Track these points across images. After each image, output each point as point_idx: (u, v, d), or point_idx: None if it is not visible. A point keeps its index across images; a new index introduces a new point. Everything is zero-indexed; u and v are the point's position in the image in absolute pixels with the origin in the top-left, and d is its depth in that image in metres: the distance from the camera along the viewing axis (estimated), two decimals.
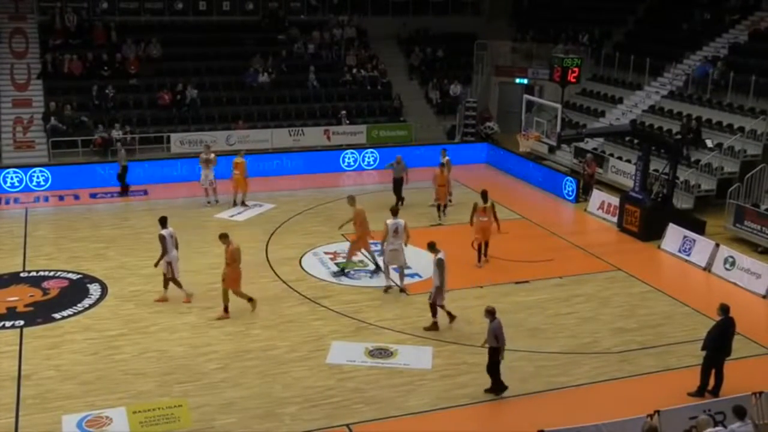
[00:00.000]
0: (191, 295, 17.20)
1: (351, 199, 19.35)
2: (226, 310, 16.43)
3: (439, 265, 15.74)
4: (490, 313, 13.52)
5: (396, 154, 24.82)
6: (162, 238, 16.69)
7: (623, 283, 19.05)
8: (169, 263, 16.79)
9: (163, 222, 17.03)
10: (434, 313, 16.09)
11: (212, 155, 24.04)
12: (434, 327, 16.08)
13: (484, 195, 19.78)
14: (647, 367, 14.86)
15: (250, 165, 24.46)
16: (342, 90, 33.51)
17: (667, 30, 32.11)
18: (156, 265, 16.96)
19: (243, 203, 24.25)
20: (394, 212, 18.36)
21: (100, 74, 30.71)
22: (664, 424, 11.65)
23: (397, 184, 24.13)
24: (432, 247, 16.06)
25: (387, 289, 18.02)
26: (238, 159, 24.12)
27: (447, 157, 24.76)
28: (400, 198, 23.81)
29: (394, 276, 18.03)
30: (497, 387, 13.72)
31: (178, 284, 17.09)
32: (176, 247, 17.00)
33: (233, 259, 16.18)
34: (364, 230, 18.84)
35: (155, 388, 13.78)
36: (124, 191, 25.44)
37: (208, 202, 24.20)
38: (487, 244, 19.91)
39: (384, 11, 37.32)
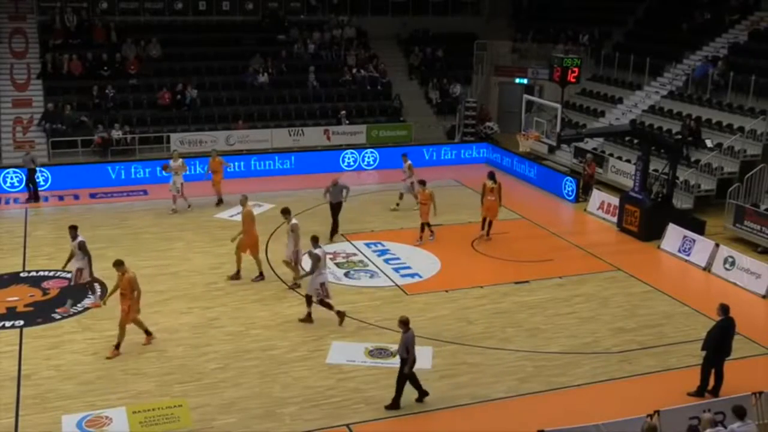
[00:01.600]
0: (104, 303, 16.54)
1: (243, 199, 18.92)
2: (117, 347, 14.87)
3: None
4: (404, 323, 13.11)
5: (334, 175, 23.29)
6: (84, 244, 16.46)
7: (623, 283, 19.04)
8: (82, 269, 16.53)
9: (75, 230, 16.64)
10: (308, 304, 16.27)
11: (180, 161, 23.64)
12: (308, 319, 16.26)
13: (492, 175, 21.50)
14: (647, 367, 14.86)
15: (249, 165, 24.36)
16: (342, 90, 33.49)
17: (667, 30, 32.10)
18: (64, 266, 17.02)
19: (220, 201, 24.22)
20: (288, 212, 17.99)
21: (100, 74, 30.70)
22: (664, 424, 11.65)
23: (335, 209, 21.47)
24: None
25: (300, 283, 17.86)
26: (214, 158, 24.18)
27: (409, 161, 23.98)
28: (336, 224, 21.48)
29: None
30: (396, 403, 13.23)
31: (93, 288, 16.95)
32: None
33: (131, 289, 14.67)
34: (251, 231, 18.28)
35: (155, 388, 13.78)
36: (33, 197, 24.51)
37: (179, 208, 23.61)
38: (491, 224, 21.44)
39: (384, 11, 37.28)
